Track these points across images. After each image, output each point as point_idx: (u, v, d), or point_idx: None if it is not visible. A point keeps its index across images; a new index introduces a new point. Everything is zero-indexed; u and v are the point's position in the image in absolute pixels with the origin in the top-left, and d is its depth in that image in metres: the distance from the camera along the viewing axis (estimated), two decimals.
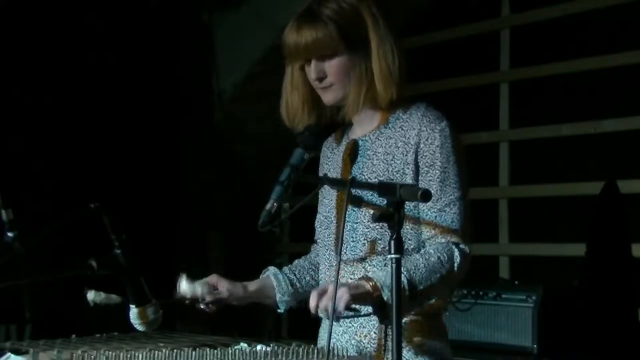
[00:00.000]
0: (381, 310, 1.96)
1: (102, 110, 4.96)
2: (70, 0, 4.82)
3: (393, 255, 1.82)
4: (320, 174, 2.35)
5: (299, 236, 5.48)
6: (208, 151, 5.51)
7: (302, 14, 2.17)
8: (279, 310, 2.40)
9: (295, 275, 2.37)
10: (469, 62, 4.85)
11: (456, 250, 2.08)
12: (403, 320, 2.10)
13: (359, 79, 2.16)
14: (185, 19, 5.47)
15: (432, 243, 2.10)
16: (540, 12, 4.54)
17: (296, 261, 2.44)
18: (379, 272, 2.01)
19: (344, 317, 2.17)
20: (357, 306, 2.09)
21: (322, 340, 2.25)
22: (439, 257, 2.05)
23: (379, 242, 2.12)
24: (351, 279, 2.12)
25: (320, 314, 1.95)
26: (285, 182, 2.02)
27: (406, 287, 1.97)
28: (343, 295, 1.90)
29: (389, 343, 2.09)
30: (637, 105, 4.15)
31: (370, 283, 1.94)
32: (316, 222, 2.34)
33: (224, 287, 2.27)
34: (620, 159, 4.20)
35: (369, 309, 2.14)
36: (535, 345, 3.50)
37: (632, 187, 4.07)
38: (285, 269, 2.38)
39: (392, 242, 1.82)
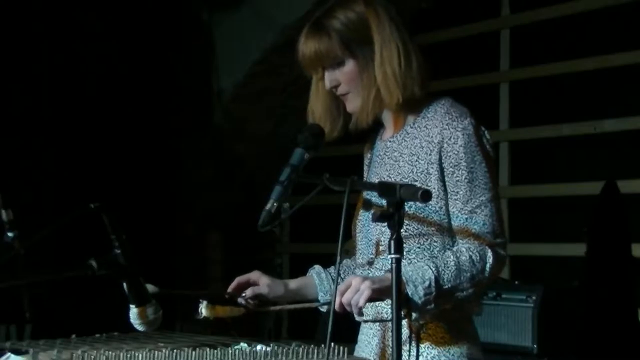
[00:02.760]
0: (405, 305, 1.94)
1: (102, 111, 4.96)
2: (70, 0, 4.82)
3: (393, 255, 1.81)
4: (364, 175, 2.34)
5: (299, 236, 5.48)
6: (208, 151, 5.51)
7: (310, 25, 2.17)
8: (321, 309, 2.38)
9: (339, 274, 2.34)
10: (469, 62, 4.85)
11: (489, 251, 2.03)
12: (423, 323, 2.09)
13: (367, 83, 2.15)
14: (185, 18, 5.47)
15: (465, 243, 2.06)
16: (540, 12, 4.54)
17: (344, 260, 2.41)
18: (407, 266, 1.98)
19: (368, 320, 2.17)
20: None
21: (359, 346, 2.23)
22: (470, 256, 2.01)
23: (382, 243, 2.12)
24: None
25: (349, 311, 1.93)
26: (285, 182, 2.02)
27: (433, 284, 1.96)
28: (365, 290, 1.89)
29: (412, 352, 2.08)
30: (637, 105, 4.15)
31: None
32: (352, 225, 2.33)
33: (265, 283, 2.26)
34: (620, 159, 4.21)
35: (384, 315, 2.13)
36: (535, 345, 3.50)
37: (632, 187, 4.07)
38: (331, 268, 2.35)
39: (392, 242, 1.82)
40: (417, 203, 1.99)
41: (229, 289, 2.26)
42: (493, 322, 3.64)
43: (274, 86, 5.28)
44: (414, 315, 1.98)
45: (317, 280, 2.32)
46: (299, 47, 2.18)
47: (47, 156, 4.76)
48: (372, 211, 2.08)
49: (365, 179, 2.31)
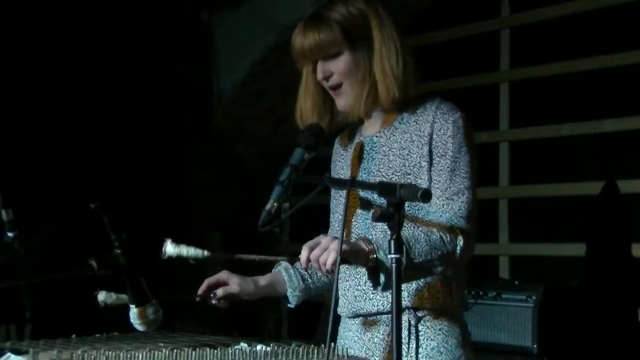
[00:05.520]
0: (376, 273, 1.97)
1: (102, 111, 4.96)
2: (70, 0, 4.82)
3: (393, 255, 1.82)
4: (332, 172, 2.35)
5: (299, 236, 5.48)
6: (208, 151, 5.51)
7: (309, 17, 2.19)
8: (289, 305, 2.40)
9: (306, 270, 2.36)
10: (469, 62, 4.85)
11: (460, 234, 2.09)
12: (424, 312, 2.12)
13: (362, 78, 2.18)
14: (185, 19, 5.47)
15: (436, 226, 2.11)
16: (540, 12, 4.54)
17: (281, 262, 2.42)
18: (378, 234, 2.01)
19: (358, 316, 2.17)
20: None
21: (341, 340, 2.24)
22: (441, 236, 2.05)
23: None
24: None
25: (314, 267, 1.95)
26: (285, 182, 2.03)
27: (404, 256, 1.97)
28: (332, 250, 1.90)
29: (412, 344, 2.11)
30: (637, 105, 4.15)
31: (366, 242, 1.95)
32: (333, 220, 2.36)
33: (235, 282, 2.28)
34: (620, 159, 4.20)
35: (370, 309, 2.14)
36: (535, 345, 3.50)
37: (632, 187, 4.07)
38: (297, 263, 2.37)
39: (392, 242, 1.82)
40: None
41: (199, 292, 2.27)
42: (493, 322, 3.64)
43: (274, 86, 5.28)
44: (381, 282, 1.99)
45: (285, 277, 2.35)
46: (296, 39, 2.19)
47: (47, 156, 4.76)
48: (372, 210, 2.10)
49: (338, 175, 2.32)
